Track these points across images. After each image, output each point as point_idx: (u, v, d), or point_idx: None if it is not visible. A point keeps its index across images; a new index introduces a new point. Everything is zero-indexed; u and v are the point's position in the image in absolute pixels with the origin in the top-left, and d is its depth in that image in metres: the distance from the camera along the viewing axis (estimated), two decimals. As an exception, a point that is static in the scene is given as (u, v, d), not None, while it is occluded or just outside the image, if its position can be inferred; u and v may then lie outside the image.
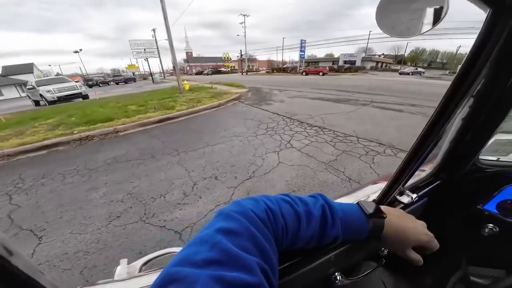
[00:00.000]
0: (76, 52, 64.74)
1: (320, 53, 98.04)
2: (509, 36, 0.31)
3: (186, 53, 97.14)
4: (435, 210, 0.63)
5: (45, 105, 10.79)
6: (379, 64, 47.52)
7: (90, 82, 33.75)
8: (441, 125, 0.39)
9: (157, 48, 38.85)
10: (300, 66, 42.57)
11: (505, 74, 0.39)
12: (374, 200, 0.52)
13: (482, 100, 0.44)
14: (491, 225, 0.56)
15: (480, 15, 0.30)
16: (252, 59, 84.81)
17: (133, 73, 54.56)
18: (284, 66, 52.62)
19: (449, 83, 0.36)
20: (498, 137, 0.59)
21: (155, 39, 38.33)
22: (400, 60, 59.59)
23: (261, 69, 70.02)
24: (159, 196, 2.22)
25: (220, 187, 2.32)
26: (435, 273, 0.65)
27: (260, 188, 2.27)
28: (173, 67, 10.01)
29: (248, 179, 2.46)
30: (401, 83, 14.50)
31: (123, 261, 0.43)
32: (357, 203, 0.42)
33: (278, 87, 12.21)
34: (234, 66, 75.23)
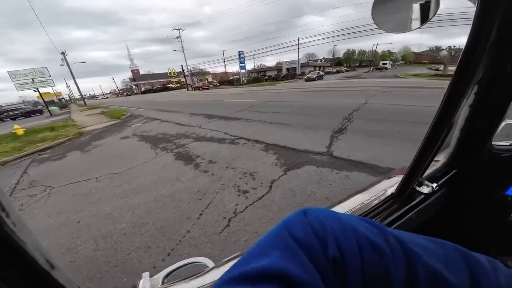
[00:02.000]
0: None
1: (273, 60, 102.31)
2: (501, 23, 0.33)
3: (132, 71, 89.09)
4: (456, 200, 0.62)
5: None
6: (318, 68, 50.83)
7: None
8: (451, 114, 0.39)
9: (71, 73, 33.36)
10: (243, 78, 42.31)
11: (504, 59, 0.41)
12: (392, 194, 0.53)
13: (487, 86, 0.45)
14: None
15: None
16: (203, 72, 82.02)
17: (57, 100, 46.13)
18: (230, 78, 52.14)
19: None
20: (508, 121, 0.60)
21: (67, 63, 32.83)
22: (337, 62, 65.44)
23: (215, 82, 67.10)
24: None
25: None
26: None
27: None
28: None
29: None
30: (309, 90, 13.50)
31: (146, 275, 0.40)
32: None
33: (165, 112, 9.94)
34: (184, 82, 70.96)
